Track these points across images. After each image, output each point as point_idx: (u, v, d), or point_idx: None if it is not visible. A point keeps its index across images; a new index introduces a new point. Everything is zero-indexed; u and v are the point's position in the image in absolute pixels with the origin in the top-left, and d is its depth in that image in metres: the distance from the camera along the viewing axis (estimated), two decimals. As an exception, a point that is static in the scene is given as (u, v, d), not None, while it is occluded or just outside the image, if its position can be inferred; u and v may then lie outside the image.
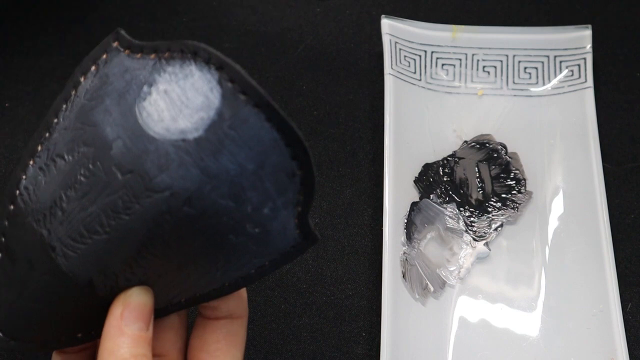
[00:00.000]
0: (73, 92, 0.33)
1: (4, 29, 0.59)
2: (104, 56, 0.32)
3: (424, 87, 0.55)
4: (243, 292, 0.36)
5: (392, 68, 0.53)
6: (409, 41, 0.55)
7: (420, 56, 0.55)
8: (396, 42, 0.54)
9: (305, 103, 0.56)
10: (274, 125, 0.30)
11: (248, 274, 0.33)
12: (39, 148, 0.33)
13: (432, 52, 0.55)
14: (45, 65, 0.57)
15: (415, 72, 0.55)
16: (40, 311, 0.33)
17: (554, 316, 0.47)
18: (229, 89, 0.29)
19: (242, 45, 0.59)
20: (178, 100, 0.30)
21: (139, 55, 0.31)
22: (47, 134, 0.33)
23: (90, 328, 0.34)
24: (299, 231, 0.32)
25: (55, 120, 0.33)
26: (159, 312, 0.34)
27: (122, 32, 0.32)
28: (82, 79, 0.33)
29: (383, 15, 0.55)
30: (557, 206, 0.51)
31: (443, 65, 0.55)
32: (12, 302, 0.33)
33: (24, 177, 0.32)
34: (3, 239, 0.33)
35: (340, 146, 0.54)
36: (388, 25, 0.55)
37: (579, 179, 0.51)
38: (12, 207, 0.32)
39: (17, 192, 0.32)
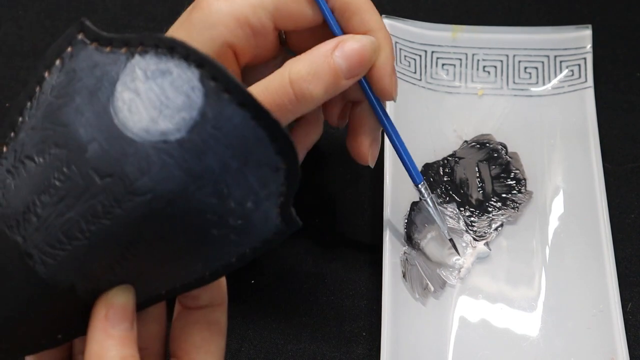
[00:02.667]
0: (37, 89, 0.31)
1: (4, 29, 0.59)
2: (69, 49, 0.31)
3: (424, 87, 0.55)
4: (222, 279, 0.35)
5: (392, 68, 0.53)
6: (409, 41, 0.55)
7: (420, 56, 0.55)
8: (396, 42, 0.54)
9: (306, 103, 0.56)
10: (260, 123, 0.29)
11: (229, 262, 0.32)
12: (5, 149, 0.31)
13: (432, 52, 0.55)
14: (45, 65, 0.57)
15: (415, 72, 0.55)
16: (20, 318, 0.31)
17: (554, 316, 0.47)
18: (211, 88, 0.28)
19: (242, 45, 0.58)
20: (157, 100, 0.28)
21: (108, 49, 0.30)
22: (12, 134, 0.31)
23: (70, 328, 0.33)
24: (281, 219, 0.31)
25: (20, 119, 0.31)
26: (139, 306, 0.33)
27: (88, 22, 0.30)
28: (46, 74, 0.31)
29: (383, 15, 0.55)
30: (557, 206, 0.51)
31: (443, 65, 0.55)
32: None
33: None
34: None
35: (340, 146, 0.54)
36: (388, 25, 0.55)
37: (579, 179, 0.51)
38: None
39: None
